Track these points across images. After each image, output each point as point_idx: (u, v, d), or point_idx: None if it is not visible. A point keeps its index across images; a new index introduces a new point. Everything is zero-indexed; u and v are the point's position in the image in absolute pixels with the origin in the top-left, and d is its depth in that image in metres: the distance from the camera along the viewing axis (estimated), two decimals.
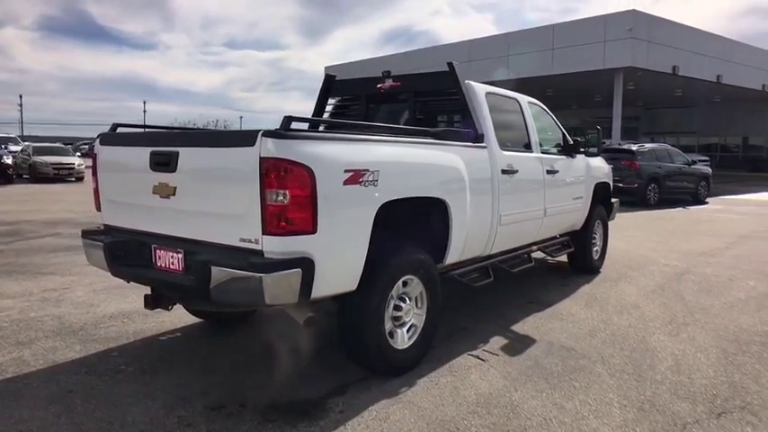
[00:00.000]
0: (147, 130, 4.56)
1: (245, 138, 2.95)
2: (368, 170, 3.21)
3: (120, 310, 5.05)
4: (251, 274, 2.84)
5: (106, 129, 3.95)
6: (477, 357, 4.00)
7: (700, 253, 8.23)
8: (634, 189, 14.91)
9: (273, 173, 2.82)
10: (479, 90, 4.66)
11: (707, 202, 16.33)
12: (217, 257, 3.00)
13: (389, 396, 3.37)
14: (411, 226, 3.80)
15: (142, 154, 3.45)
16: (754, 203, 16.36)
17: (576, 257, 6.45)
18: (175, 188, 3.25)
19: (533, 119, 5.46)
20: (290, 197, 2.84)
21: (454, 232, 3.98)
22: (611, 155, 15.03)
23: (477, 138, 4.39)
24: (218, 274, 2.95)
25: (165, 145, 3.38)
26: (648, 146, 16.22)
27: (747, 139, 34.64)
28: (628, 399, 3.38)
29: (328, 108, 5.50)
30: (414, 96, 4.97)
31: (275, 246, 2.89)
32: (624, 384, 3.58)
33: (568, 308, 5.28)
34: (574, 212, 6.09)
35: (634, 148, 15.97)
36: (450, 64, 4.55)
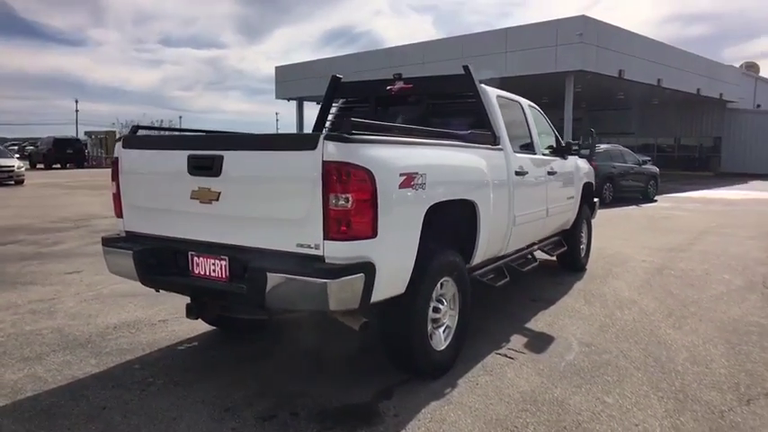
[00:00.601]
0: (179, 133, 4.39)
1: (304, 141, 2.90)
2: (417, 173, 3.22)
3: (122, 320, 4.83)
4: (315, 279, 2.80)
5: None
6: (506, 356, 4.08)
7: (669, 249, 8.65)
8: None
9: (336, 177, 2.79)
10: (491, 93, 4.74)
11: (656, 200, 17.17)
12: (273, 264, 2.93)
13: (437, 398, 3.39)
14: (445, 229, 3.83)
15: (177, 157, 3.32)
16: (698, 200, 17.32)
17: (566, 256, 6.65)
18: (219, 193, 3.15)
19: (534, 121, 5.60)
20: (353, 201, 2.81)
21: (481, 233, 4.05)
22: None
23: (495, 140, 4.47)
24: (276, 280, 2.89)
25: (207, 148, 3.27)
26: (603, 146, 16.88)
27: (680, 139, 36.58)
28: (661, 390, 3.53)
29: (332, 110, 5.46)
30: (426, 99, 5.00)
31: (337, 251, 2.85)
32: (652, 377, 3.74)
33: (571, 305, 5.45)
34: (567, 212, 6.29)
35: (599, 148, 16.56)
36: (465, 67, 4.61)
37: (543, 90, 26.78)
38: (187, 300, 3.75)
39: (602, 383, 3.63)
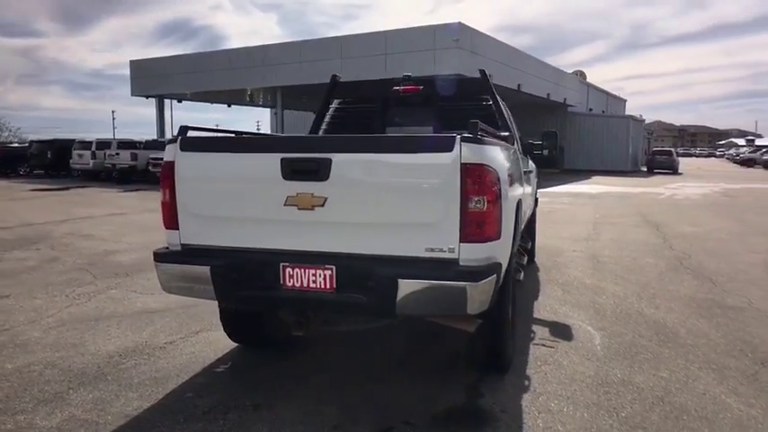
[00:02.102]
0: (238, 134, 3.94)
1: (439, 143, 2.85)
2: (512, 173, 3.31)
3: (120, 346, 4.28)
4: (457, 283, 2.78)
5: None
6: (544, 346, 4.32)
7: (581, 239, 9.60)
8: None
9: (474, 179, 2.79)
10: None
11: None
12: (403, 270, 2.84)
13: (524, 390, 3.52)
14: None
15: (265, 161, 3.06)
16: (565, 195, 19.27)
17: (526, 249, 7.10)
18: (325, 199, 2.95)
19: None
20: (487, 203, 2.83)
21: (519, 228, 4.23)
22: None
23: (513, 142, 4.69)
24: (410, 287, 2.81)
25: (309, 150, 3.05)
26: None
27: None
28: (695, 362, 3.99)
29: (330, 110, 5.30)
30: (436, 101, 5.07)
31: (472, 253, 2.85)
32: (677, 351, 4.21)
33: (554, 294, 5.88)
34: (531, 208, 6.74)
35: None
36: (482, 71, 4.77)
37: None
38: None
39: (645, 362, 4.00)
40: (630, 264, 7.44)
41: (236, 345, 4.24)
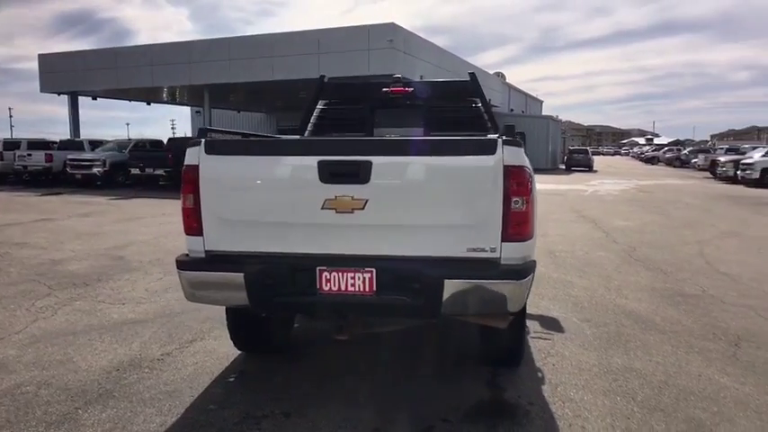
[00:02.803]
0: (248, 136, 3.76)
1: (483, 146, 2.92)
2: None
3: (113, 361, 4.04)
4: (504, 282, 2.86)
5: None
6: (541, 338, 4.51)
7: None
8: None
9: (515, 180, 2.89)
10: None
11: None
12: (448, 271, 2.89)
13: (540, 383, 3.68)
14: None
15: (300, 163, 3.01)
16: None
17: None
18: (365, 201, 2.94)
19: None
20: (525, 203, 2.93)
21: None
22: None
23: None
24: (456, 287, 2.86)
25: (347, 153, 3.01)
26: None
27: None
28: (679, 347, 4.31)
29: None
30: (425, 103, 5.13)
31: (512, 252, 2.94)
32: (660, 338, 4.53)
33: None
34: None
35: None
36: (472, 74, 4.89)
37: None
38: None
39: (636, 349, 4.28)
40: (585, 257, 7.86)
41: (238, 353, 4.13)
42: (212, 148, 3.11)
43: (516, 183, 2.89)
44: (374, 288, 2.99)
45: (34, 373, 3.82)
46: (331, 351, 4.28)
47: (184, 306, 5.31)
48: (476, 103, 5.07)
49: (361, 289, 3.00)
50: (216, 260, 3.13)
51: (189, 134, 38.69)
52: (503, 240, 2.92)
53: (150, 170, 20.19)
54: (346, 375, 3.83)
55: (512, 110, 42.37)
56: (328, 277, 3.02)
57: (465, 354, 4.21)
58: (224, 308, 5.15)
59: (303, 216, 3.05)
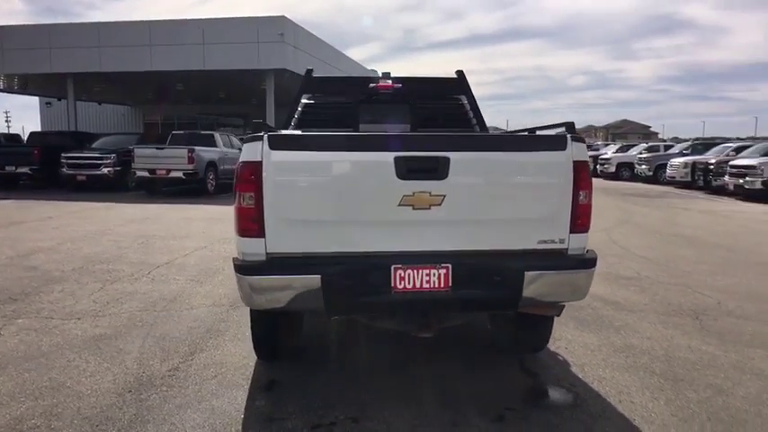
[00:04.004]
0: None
1: (554, 142, 3.04)
2: None
3: (115, 382, 3.62)
4: (580, 271, 3.03)
5: None
6: None
7: None
8: None
9: (582, 174, 3.06)
10: None
11: None
12: (527, 263, 2.98)
13: (567, 365, 3.92)
14: None
15: (377, 159, 2.92)
16: None
17: None
18: (443, 197, 2.93)
19: None
20: (588, 196, 3.12)
21: None
22: None
23: None
24: (535, 278, 2.97)
25: (423, 149, 2.97)
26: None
27: None
28: (656, 323, 4.80)
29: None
30: (411, 99, 5.13)
31: (577, 243, 3.11)
32: (635, 316, 5.00)
33: None
34: None
35: None
36: (459, 72, 4.99)
37: (227, 85, 26.82)
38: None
39: (623, 328, 4.70)
40: None
41: (252, 363, 3.88)
42: (278, 144, 2.90)
43: (582, 177, 3.06)
44: (449, 283, 3.00)
45: (28, 403, 3.29)
46: (348, 353, 4.20)
47: (155, 317, 4.89)
48: (461, 101, 5.19)
49: (437, 285, 2.99)
50: (280, 263, 2.93)
51: (40, 128, 34.64)
52: (570, 232, 3.07)
53: (12, 168, 17.90)
54: (382, 375, 3.78)
55: None
56: (402, 275, 2.97)
57: (479, 343, 4.34)
58: (213, 314, 4.83)
59: (377, 213, 2.97)
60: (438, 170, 2.92)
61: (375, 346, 4.27)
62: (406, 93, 5.13)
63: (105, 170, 17.26)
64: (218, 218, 11.54)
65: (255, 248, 2.95)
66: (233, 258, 3.10)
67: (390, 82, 4.97)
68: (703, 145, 23.68)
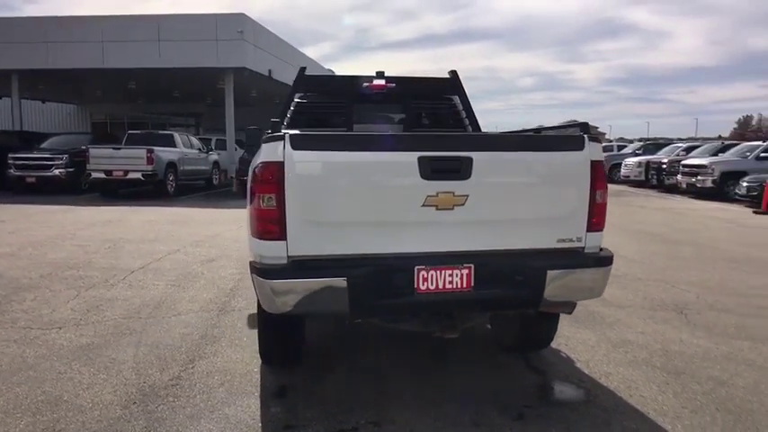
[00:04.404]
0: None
1: (572, 142, 3.07)
2: None
3: (117, 394, 3.45)
4: (600, 269, 3.08)
5: None
6: None
7: None
8: None
9: (599, 174, 3.11)
10: None
11: None
12: (547, 262, 3.01)
13: (571, 361, 4.00)
14: None
15: (401, 159, 2.89)
16: None
17: None
18: (466, 197, 2.93)
19: None
20: (604, 195, 3.17)
21: None
22: None
23: None
24: (557, 277, 3.00)
25: (446, 149, 2.95)
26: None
27: None
28: (645, 318, 4.95)
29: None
30: (404, 99, 5.10)
31: (593, 241, 3.17)
32: (624, 312, 5.14)
33: None
34: None
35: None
36: (453, 72, 5.00)
37: (181, 84, 26.12)
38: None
39: (616, 324, 4.81)
40: None
41: (257, 370, 3.78)
42: (300, 144, 2.82)
43: (599, 177, 3.11)
44: (472, 284, 3.00)
45: (27, 419, 3.10)
46: (351, 356, 4.14)
47: (143, 325, 4.71)
48: (454, 101, 5.21)
49: (459, 285, 2.98)
50: (303, 266, 2.86)
51: None
52: (587, 231, 3.12)
53: None
54: (392, 377, 3.75)
55: None
56: (426, 276, 2.95)
57: (480, 342, 4.36)
58: (204, 320, 4.68)
59: (401, 214, 2.93)
60: (461, 170, 2.91)
61: (377, 348, 4.24)
62: (399, 92, 5.11)
63: (57, 171, 16.51)
64: (183, 221, 11.24)
65: (276, 251, 2.86)
66: (250, 262, 3.00)
67: (384, 82, 4.93)
68: (654, 145, 24.68)
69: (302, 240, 2.87)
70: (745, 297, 5.65)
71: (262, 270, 2.85)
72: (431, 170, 2.88)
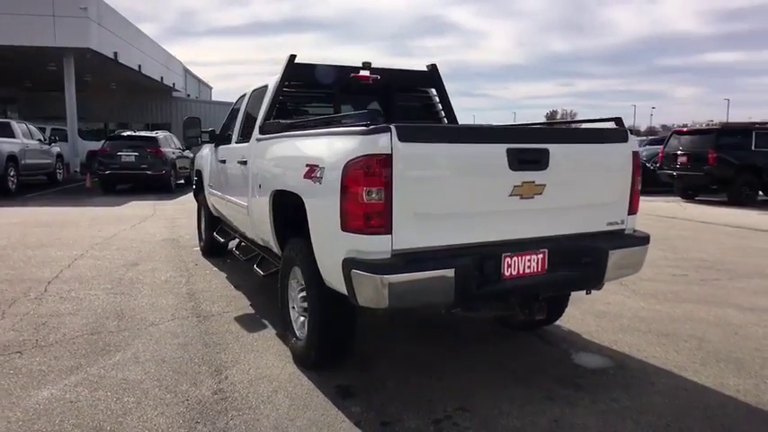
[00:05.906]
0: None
1: (618, 135, 3.43)
2: None
3: (163, 414, 3.08)
4: (642, 248, 3.48)
5: None
6: None
7: None
8: (161, 176, 15.45)
9: (637, 163, 3.51)
10: None
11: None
12: (607, 243, 3.33)
13: (579, 334, 4.39)
14: None
15: (493, 151, 2.99)
16: None
17: None
18: (544, 186, 3.13)
19: None
20: (638, 182, 3.58)
21: None
22: (130, 142, 15.05)
23: None
24: (617, 256, 3.34)
25: (528, 141, 3.11)
26: (161, 133, 16.78)
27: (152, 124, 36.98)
28: (607, 295, 5.57)
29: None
30: (385, 91, 5.08)
31: (631, 223, 3.58)
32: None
33: None
34: None
35: (159, 135, 16.22)
36: (433, 65, 5.12)
37: (12, 63, 22.79)
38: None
39: (584, 300, 5.34)
40: None
41: (299, 372, 3.61)
42: (408, 135, 2.78)
43: (637, 165, 3.51)
44: (545, 267, 3.21)
45: (91, 417, 2.64)
46: (381, 351, 4.11)
47: (122, 339, 4.29)
48: (431, 93, 5.32)
49: (536, 269, 3.19)
50: (409, 258, 2.83)
51: None
52: (628, 214, 3.51)
53: None
54: (437, 367, 3.76)
55: (188, 95, 40.78)
56: (510, 262, 3.10)
57: (483, 325, 4.58)
58: (189, 327, 4.35)
59: (492, 204, 3.04)
60: (541, 161, 3.11)
61: (394, 339, 4.26)
62: (382, 84, 5.09)
63: None
64: (56, 222, 9.94)
65: (379, 246, 2.79)
66: (345, 258, 2.86)
67: (369, 73, 4.88)
68: None
69: (406, 233, 2.84)
70: (658, 267, 6.60)
71: (371, 265, 2.75)
72: (517, 161, 3.03)
